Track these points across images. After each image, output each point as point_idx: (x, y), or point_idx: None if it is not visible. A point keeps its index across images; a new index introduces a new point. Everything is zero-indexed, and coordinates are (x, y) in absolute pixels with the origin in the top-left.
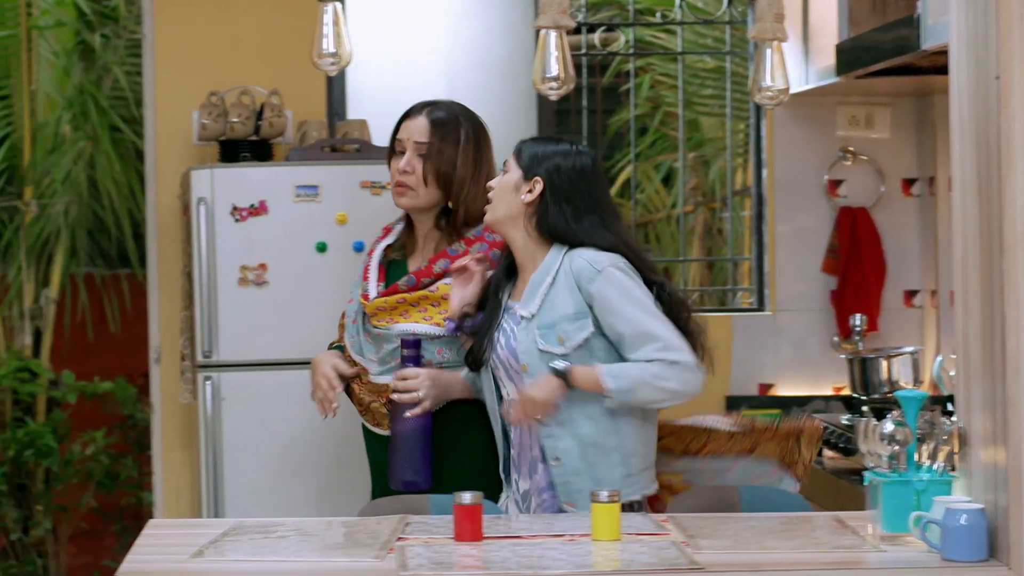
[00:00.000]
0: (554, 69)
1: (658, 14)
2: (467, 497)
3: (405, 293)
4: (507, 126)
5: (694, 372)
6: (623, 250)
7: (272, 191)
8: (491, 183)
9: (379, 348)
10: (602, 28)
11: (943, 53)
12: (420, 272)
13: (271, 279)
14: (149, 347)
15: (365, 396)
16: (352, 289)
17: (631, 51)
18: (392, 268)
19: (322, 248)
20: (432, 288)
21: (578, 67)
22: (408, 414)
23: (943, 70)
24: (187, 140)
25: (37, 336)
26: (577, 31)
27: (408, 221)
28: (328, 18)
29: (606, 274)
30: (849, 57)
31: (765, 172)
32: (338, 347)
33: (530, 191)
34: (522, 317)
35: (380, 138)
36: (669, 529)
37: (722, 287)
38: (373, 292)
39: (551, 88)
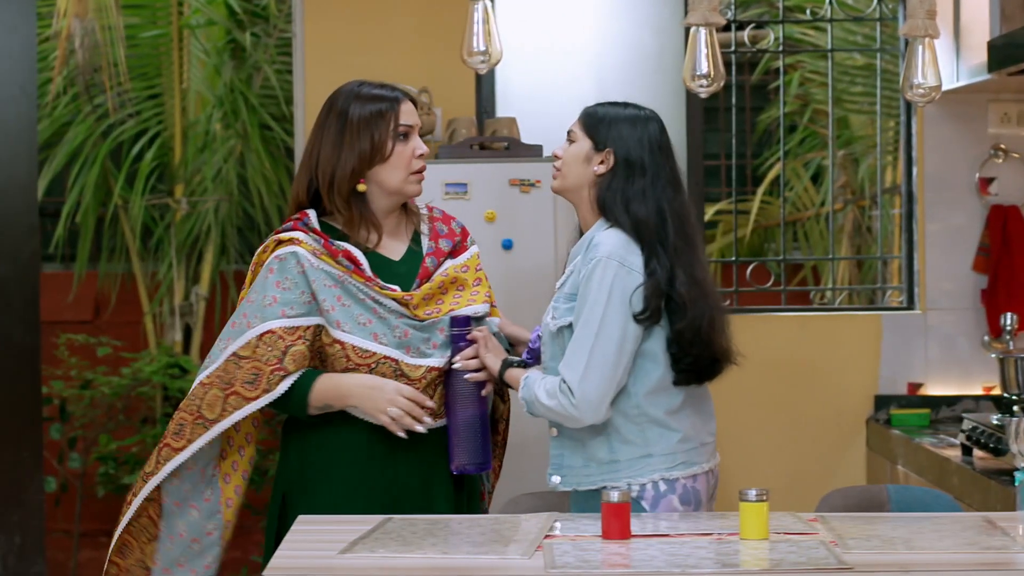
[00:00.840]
0: (704, 66)
1: (808, 11)
2: (615, 495)
3: (441, 277)
4: None
5: (570, 401)
6: (651, 228)
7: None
8: (557, 151)
9: (431, 338)
10: (751, 25)
11: None
12: (435, 252)
13: None
14: None
15: (420, 394)
16: (340, 299)
17: (780, 48)
18: (369, 261)
19: None
20: (458, 269)
21: (727, 64)
22: (483, 392)
23: None
24: None
25: (187, 333)
26: (726, 28)
27: (354, 211)
28: (478, 16)
29: (596, 262)
30: (1001, 54)
31: (915, 170)
32: (316, 372)
33: (602, 162)
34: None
35: (529, 136)
36: (818, 529)
37: (872, 285)
38: (398, 287)
39: (701, 85)
